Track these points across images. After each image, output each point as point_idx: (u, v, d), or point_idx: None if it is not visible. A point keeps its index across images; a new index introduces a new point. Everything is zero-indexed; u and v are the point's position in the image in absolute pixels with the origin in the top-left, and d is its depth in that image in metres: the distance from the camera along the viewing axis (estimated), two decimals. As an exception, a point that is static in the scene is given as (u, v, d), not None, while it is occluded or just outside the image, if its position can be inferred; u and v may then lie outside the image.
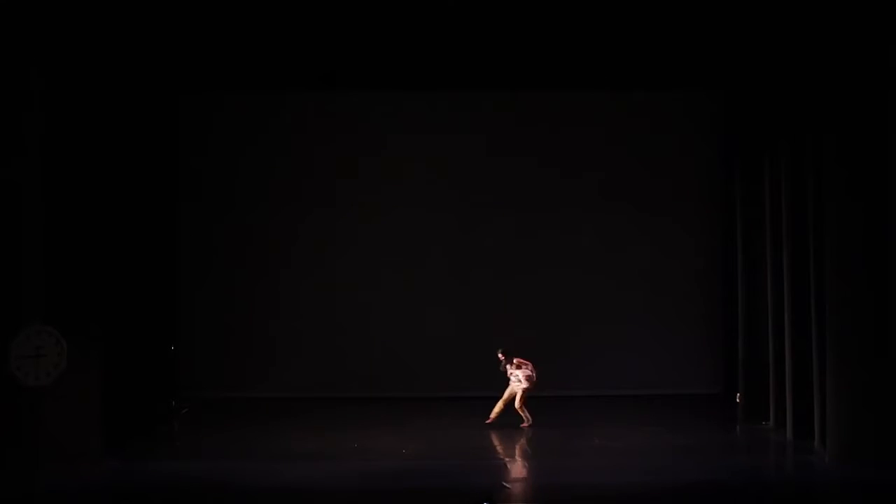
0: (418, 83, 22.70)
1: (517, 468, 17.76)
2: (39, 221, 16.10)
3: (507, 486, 15.97)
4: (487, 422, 19.99)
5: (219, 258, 24.05)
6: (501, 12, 18.45)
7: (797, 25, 17.64)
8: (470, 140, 24.07)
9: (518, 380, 20.10)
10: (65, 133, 16.49)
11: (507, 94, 23.73)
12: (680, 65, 21.32)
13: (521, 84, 22.86)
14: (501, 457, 18.48)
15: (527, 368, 20.13)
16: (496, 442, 19.20)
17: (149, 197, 20.98)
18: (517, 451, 18.78)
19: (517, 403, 20.13)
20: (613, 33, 19.38)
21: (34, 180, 16.07)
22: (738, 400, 21.68)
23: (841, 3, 16.12)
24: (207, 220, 24.04)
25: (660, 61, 20.99)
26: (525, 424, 20.12)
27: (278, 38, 19.49)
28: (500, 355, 20.31)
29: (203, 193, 24.01)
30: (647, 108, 24.07)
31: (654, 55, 20.60)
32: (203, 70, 21.62)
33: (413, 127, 24.14)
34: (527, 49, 20.30)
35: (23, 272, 15.78)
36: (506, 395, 20.19)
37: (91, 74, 17.00)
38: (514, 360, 20.19)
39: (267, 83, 22.57)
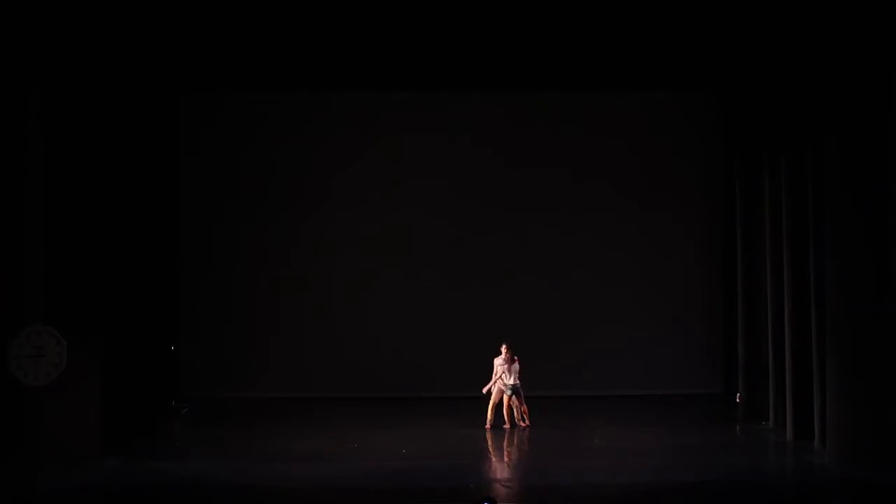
0: (418, 83, 22.71)
1: (516, 468, 17.75)
2: (39, 221, 16.09)
3: (507, 485, 15.98)
4: (487, 427, 19.96)
5: (219, 258, 24.06)
6: (501, 12, 18.45)
7: (797, 25, 17.65)
8: (470, 140, 24.07)
9: (507, 381, 19.93)
10: (65, 133, 16.49)
11: (507, 94, 23.73)
12: (680, 65, 21.33)
13: (521, 84, 22.87)
14: (501, 457, 18.48)
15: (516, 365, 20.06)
16: (495, 442, 19.20)
17: (148, 197, 20.96)
18: (516, 452, 18.78)
19: (515, 403, 20.07)
20: (614, 33, 19.39)
21: (35, 180, 16.05)
22: (738, 400, 21.70)
23: (841, 2, 16.13)
24: (207, 220, 24.05)
25: (660, 62, 21.00)
26: (524, 424, 20.12)
27: (278, 38, 19.50)
28: (506, 350, 20.14)
29: (203, 193, 24.02)
30: (646, 108, 24.09)
31: (655, 55, 20.61)
32: (203, 70, 21.62)
33: (412, 127, 24.15)
34: (526, 49, 20.30)
35: (23, 272, 15.76)
36: (494, 398, 20.11)
37: (91, 75, 17.00)
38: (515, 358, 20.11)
39: (267, 83, 22.58)
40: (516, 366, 19.99)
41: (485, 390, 20.11)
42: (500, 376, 19.99)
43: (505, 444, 19.16)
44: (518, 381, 19.98)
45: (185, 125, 23.77)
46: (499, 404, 20.09)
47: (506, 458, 18.41)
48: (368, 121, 24.13)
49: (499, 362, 20.11)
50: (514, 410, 20.11)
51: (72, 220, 16.53)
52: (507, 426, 20.00)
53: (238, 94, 23.69)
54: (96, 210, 17.20)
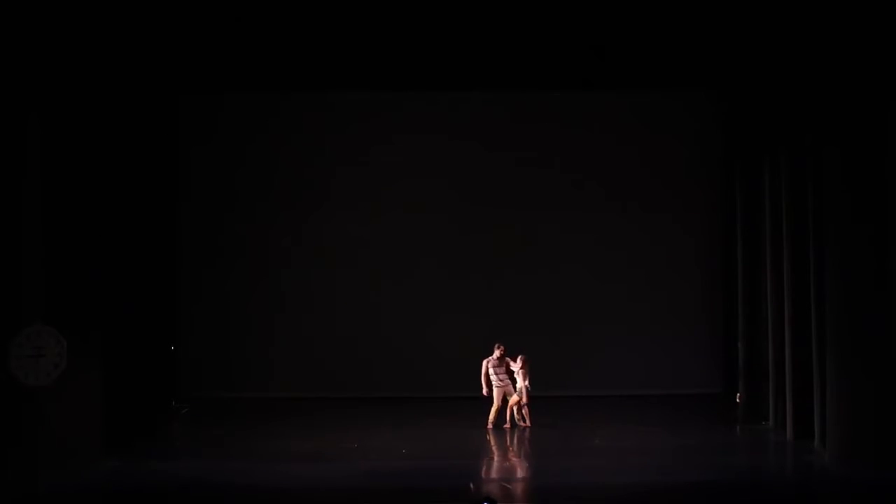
0: (418, 83, 22.69)
1: (517, 468, 17.76)
2: (39, 222, 16.09)
3: (508, 485, 15.98)
4: (487, 427, 19.96)
5: (219, 258, 24.06)
6: (501, 12, 18.45)
7: (798, 25, 17.64)
8: (470, 140, 24.06)
9: (521, 383, 19.95)
10: (65, 133, 16.48)
11: (507, 94, 23.73)
12: (681, 65, 21.32)
13: (521, 84, 22.86)
14: (501, 457, 18.48)
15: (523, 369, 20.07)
16: (496, 442, 19.20)
17: (149, 197, 20.97)
18: (517, 452, 18.78)
19: (516, 402, 20.07)
20: (614, 33, 19.39)
21: (34, 180, 16.06)
22: (738, 400, 21.69)
23: (842, 4, 16.12)
24: (207, 220, 24.05)
25: (660, 61, 20.98)
26: (524, 424, 20.12)
27: (278, 38, 19.49)
28: (499, 350, 20.14)
29: (203, 193, 24.02)
30: (647, 108, 24.07)
31: (655, 55, 20.60)
32: (203, 70, 21.61)
33: (413, 127, 24.15)
34: (527, 49, 20.29)
35: (23, 272, 15.77)
36: (497, 402, 20.08)
37: (91, 74, 16.99)
38: (519, 359, 20.05)
39: (267, 83, 22.56)
40: (525, 368, 19.95)
41: (499, 399, 20.08)
42: (518, 382, 19.97)
43: (505, 444, 19.16)
44: (527, 383, 19.92)
45: (185, 125, 23.76)
46: (500, 407, 20.06)
47: (506, 458, 18.41)
48: (368, 121, 24.11)
49: (492, 363, 20.06)
50: (515, 410, 20.10)
51: (72, 220, 16.52)
52: (507, 426, 20.00)
53: (238, 94, 23.68)
54: (96, 210, 17.20)
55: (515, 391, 20.00)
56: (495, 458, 18.35)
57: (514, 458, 18.43)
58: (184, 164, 23.72)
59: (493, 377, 20.02)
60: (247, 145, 24.09)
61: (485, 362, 20.15)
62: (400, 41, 19.77)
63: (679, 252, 24.17)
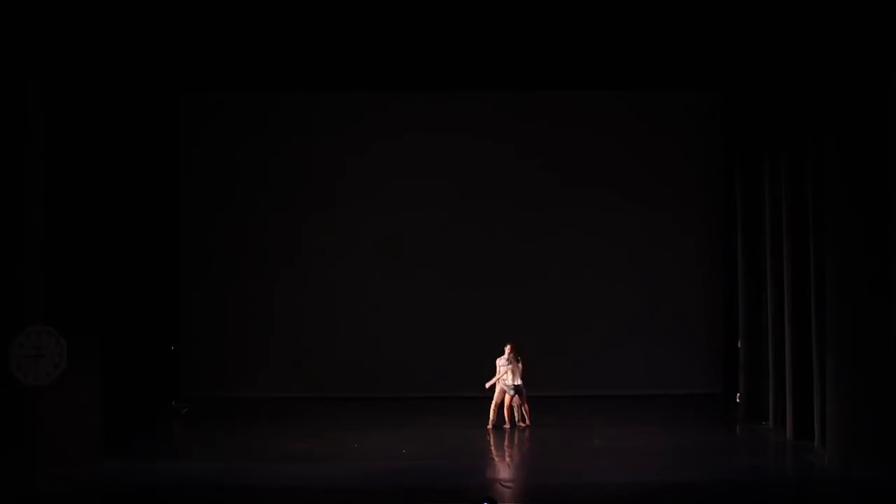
0: (418, 83, 22.69)
1: (517, 468, 17.76)
2: (39, 221, 16.10)
3: (507, 485, 15.98)
4: (488, 427, 19.95)
5: (218, 258, 24.04)
6: (501, 12, 18.45)
7: (797, 24, 17.64)
8: (469, 140, 24.05)
9: (509, 381, 19.94)
10: (65, 132, 16.50)
11: (507, 94, 23.72)
12: (680, 65, 21.33)
13: (521, 84, 22.86)
14: (501, 457, 18.48)
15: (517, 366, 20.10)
16: (495, 442, 19.20)
17: (148, 196, 21.00)
18: (517, 452, 18.78)
19: (516, 402, 20.08)
20: (614, 33, 19.38)
21: (35, 180, 16.06)
22: (738, 400, 21.70)
23: (841, 2, 16.12)
24: (207, 220, 24.04)
25: (660, 61, 20.99)
26: (524, 424, 20.13)
27: (278, 38, 19.49)
28: (510, 349, 20.16)
29: (202, 193, 24.02)
30: (646, 108, 24.07)
31: (655, 55, 20.60)
32: (202, 69, 21.62)
33: (412, 127, 24.13)
34: (526, 49, 20.30)
35: (23, 272, 15.77)
36: (496, 398, 20.10)
37: (91, 74, 17.00)
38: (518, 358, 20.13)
39: (266, 83, 22.57)
40: (519, 365, 20.01)
41: (488, 385, 20.08)
42: (503, 376, 19.99)
43: (505, 444, 19.16)
44: (521, 381, 19.99)
45: (185, 125, 23.77)
46: (500, 404, 20.09)
47: (506, 458, 18.41)
48: (367, 120, 24.11)
49: (501, 362, 20.12)
50: (515, 410, 20.12)
51: (72, 220, 16.53)
52: (507, 426, 20.01)
53: (238, 94, 23.68)
54: (96, 210, 17.20)
55: (512, 389, 20.01)
56: (495, 458, 18.35)
57: (514, 458, 18.43)
58: (183, 162, 23.73)
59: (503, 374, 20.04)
60: (246, 144, 24.08)
61: (497, 361, 20.16)
62: (399, 41, 19.76)
63: (679, 252, 24.17)
